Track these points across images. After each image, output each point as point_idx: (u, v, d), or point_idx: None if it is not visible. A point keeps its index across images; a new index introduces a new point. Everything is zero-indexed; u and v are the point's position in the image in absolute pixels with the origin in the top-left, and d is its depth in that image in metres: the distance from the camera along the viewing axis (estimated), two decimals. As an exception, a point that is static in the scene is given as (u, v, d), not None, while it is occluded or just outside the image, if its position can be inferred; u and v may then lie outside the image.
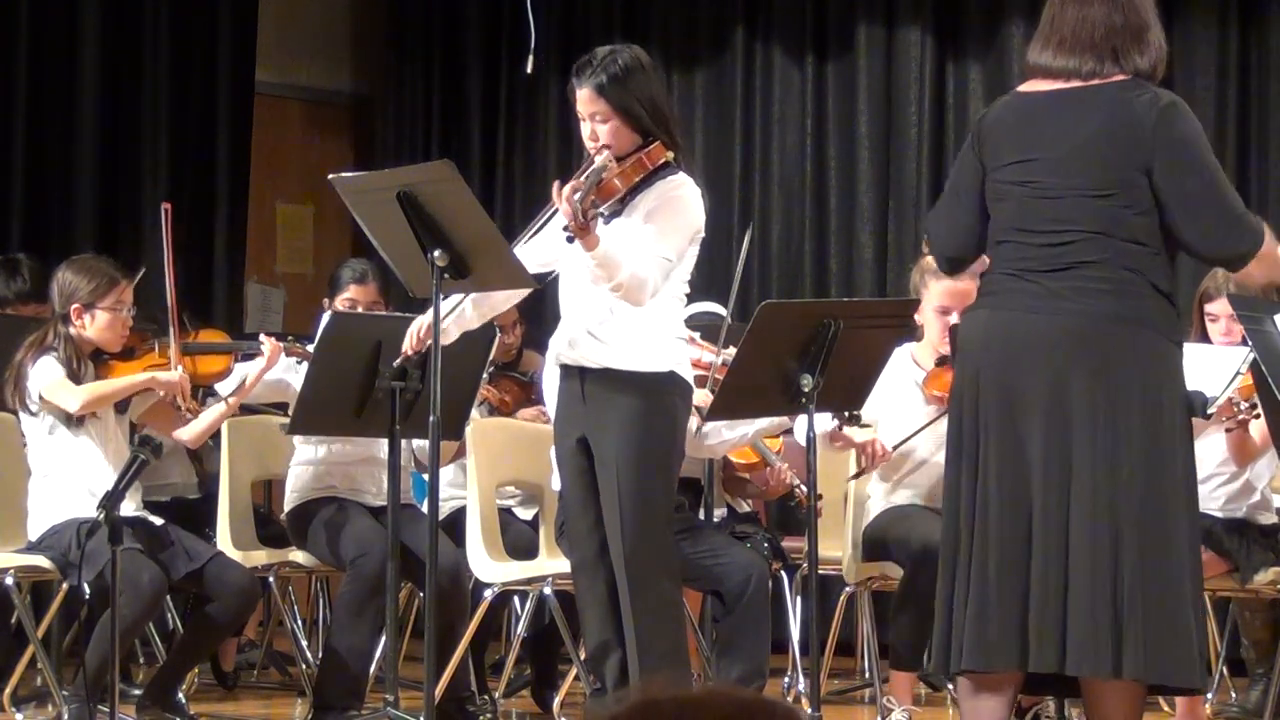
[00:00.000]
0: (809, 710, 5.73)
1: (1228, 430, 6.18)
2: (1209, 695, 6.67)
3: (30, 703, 6.80)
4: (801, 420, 5.96)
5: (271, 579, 6.97)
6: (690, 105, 9.45)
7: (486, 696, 6.81)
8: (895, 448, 6.51)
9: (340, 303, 6.72)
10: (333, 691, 6.38)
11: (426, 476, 6.34)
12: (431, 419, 5.44)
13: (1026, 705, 6.16)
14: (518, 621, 7.10)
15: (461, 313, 5.63)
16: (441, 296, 5.48)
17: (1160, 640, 4.53)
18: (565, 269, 5.50)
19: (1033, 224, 4.63)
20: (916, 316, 6.44)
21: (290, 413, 6.34)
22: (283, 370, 6.58)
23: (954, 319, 6.44)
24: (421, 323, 5.59)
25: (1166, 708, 6.57)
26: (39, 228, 8.99)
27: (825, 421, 6.15)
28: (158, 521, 6.41)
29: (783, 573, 7.27)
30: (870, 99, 9.25)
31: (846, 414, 6.38)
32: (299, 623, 7.62)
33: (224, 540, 6.76)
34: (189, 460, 7.39)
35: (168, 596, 6.92)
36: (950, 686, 6.74)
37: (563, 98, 9.84)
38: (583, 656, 6.44)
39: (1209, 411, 5.66)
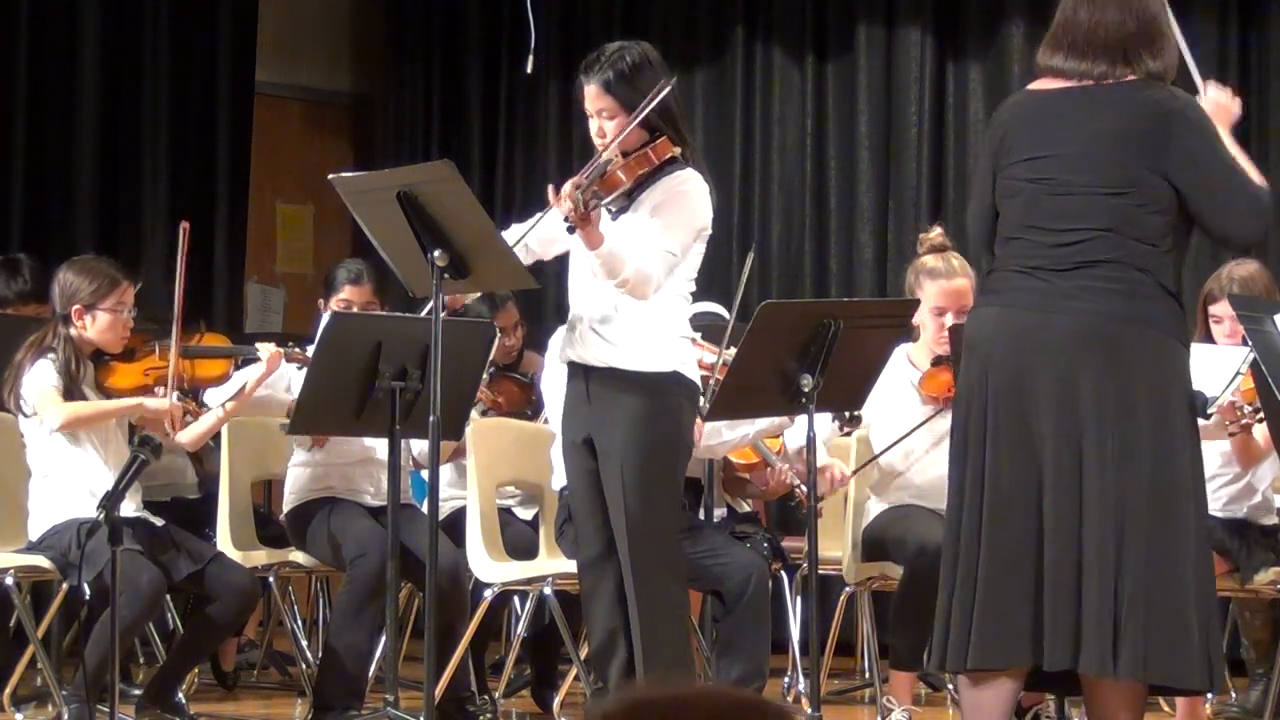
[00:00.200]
0: (809, 710, 5.73)
1: (1230, 435, 6.18)
2: (1209, 695, 6.67)
3: (30, 703, 6.80)
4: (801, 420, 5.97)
5: (271, 579, 6.97)
6: (690, 105, 9.44)
7: (486, 696, 6.81)
8: (887, 449, 6.51)
9: (335, 303, 6.72)
10: (333, 691, 6.39)
11: (425, 474, 6.35)
12: (431, 419, 5.44)
13: (1027, 705, 6.17)
14: (518, 621, 7.10)
15: (525, 248, 5.55)
16: (441, 297, 5.49)
17: (1161, 640, 4.53)
18: (573, 262, 5.48)
19: (1043, 221, 4.63)
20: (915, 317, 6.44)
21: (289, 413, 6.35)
22: (281, 376, 6.57)
23: (949, 320, 6.45)
24: None
25: (1166, 708, 6.57)
26: (39, 228, 9.00)
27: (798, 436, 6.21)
28: (158, 522, 6.41)
29: (783, 573, 7.27)
30: (870, 99, 9.25)
31: (847, 414, 6.40)
32: (299, 623, 7.62)
33: (224, 540, 6.76)
34: (189, 460, 7.39)
35: (168, 596, 6.92)
36: (950, 686, 6.74)
37: (563, 98, 9.85)
38: (583, 656, 6.45)
39: (1209, 411, 5.65)
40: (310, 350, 6.24)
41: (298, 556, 6.75)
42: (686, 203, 5.36)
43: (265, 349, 6.49)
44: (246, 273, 9.93)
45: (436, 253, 5.39)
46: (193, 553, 6.35)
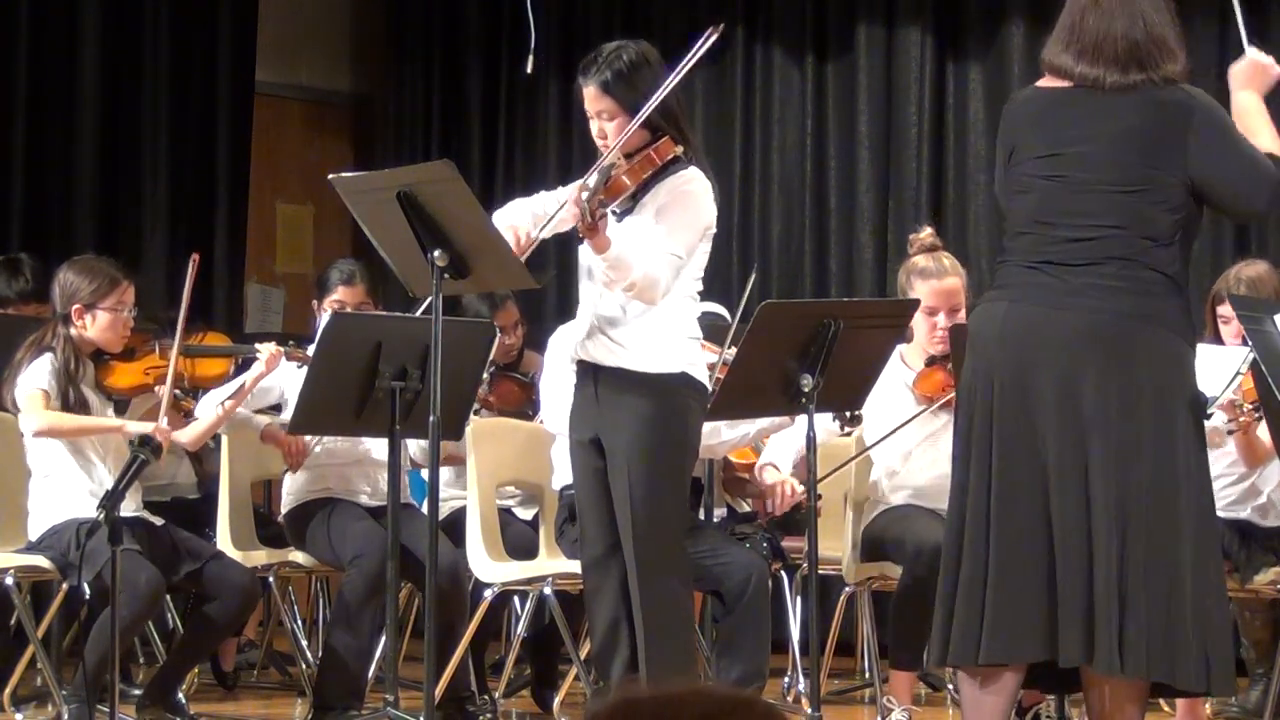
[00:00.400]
0: (809, 710, 5.73)
1: (1229, 432, 6.18)
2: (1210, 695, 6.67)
3: (30, 703, 6.80)
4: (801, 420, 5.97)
5: (271, 579, 6.97)
6: (690, 105, 9.44)
7: (486, 696, 6.81)
8: (878, 443, 6.50)
9: (329, 304, 6.71)
10: (332, 691, 6.39)
11: (425, 474, 6.35)
12: (431, 419, 5.44)
13: (1027, 704, 6.17)
14: (518, 621, 7.10)
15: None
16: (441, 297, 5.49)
17: (1162, 640, 4.53)
18: (583, 263, 5.47)
19: (1054, 217, 4.63)
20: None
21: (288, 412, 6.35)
22: (280, 376, 6.57)
23: (942, 319, 6.46)
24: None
25: (1166, 708, 6.57)
26: (39, 228, 9.00)
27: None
28: (158, 521, 6.41)
29: (783, 573, 7.27)
30: (870, 99, 9.25)
31: (848, 414, 6.40)
32: (299, 623, 7.62)
33: (224, 540, 6.76)
34: (189, 460, 7.39)
35: (168, 596, 6.92)
36: (950, 686, 6.75)
37: (563, 98, 9.85)
38: (583, 656, 6.45)
39: (1209, 411, 5.66)
40: (310, 349, 6.24)
41: (297, 556, 6.75)
42: (690, 203, 5.35)
43: (264, 349, 6.49)
44: (246, 273, 9.93)
45: (436, 253, 5.39)
46: (193, 551, 6.35)
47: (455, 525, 6.65)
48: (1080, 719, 5.58)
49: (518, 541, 6.74)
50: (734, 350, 5.92)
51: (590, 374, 5.45)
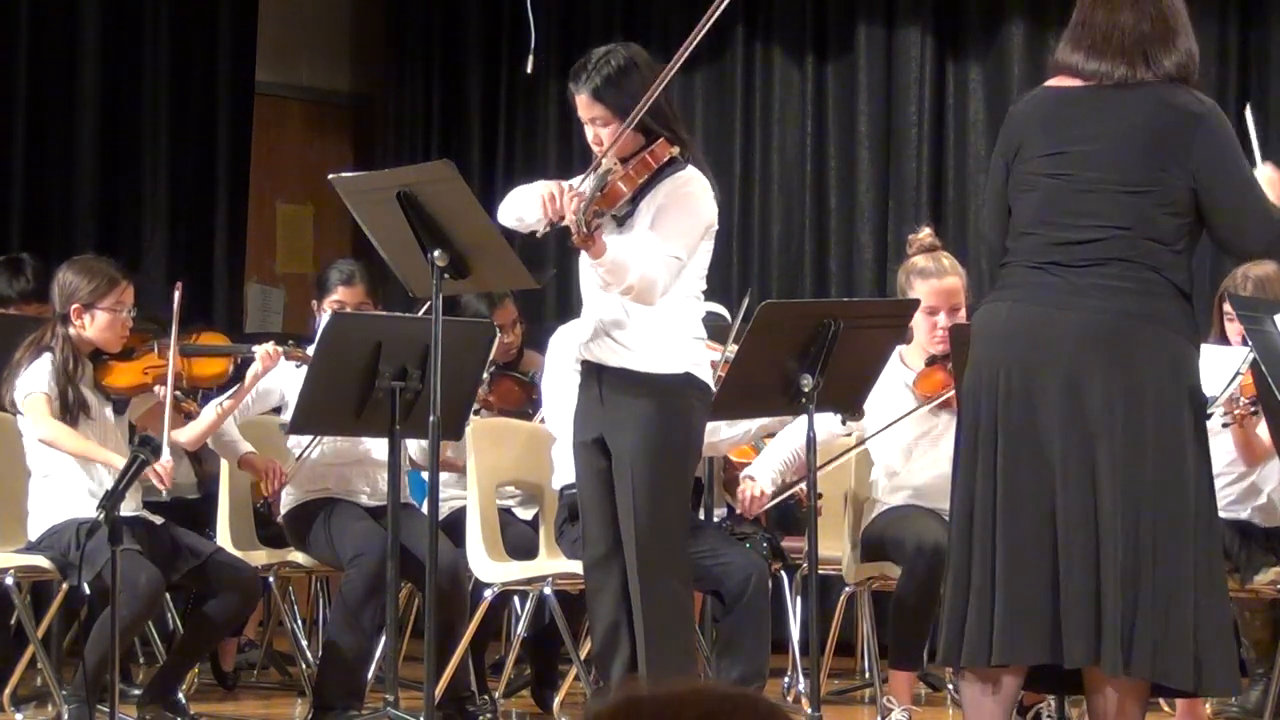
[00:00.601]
0: (809, 710, 5.73)
1: (1224, 425, 6.18)
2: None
3: (30, 703, 6.80)
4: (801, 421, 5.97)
5: (271, 579, 6.97)
6: (690, 105, 9.45)
7: (486, 696, 6.81)
8: (872, 436, 6.50)
9: (329, 305, 6.71)
10: (333, 691, 6.39)
11: (424, 474, 6.35)
12: (431, 419, 5.44)
13: (1028, 704, 6.17)
14: (518, 621, 7.10)
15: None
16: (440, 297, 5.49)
17: (1162, 640, 4.53)
18: (584, 264, 5.46)
19: (1059, 217, 4.62)
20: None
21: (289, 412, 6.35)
22: (279, 375, 6.57)
23: (942, 319, 6.46)
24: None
25: (1166, 708, 6.57)
26: (39, 228, 9.00)
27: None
28: (158, 521, 6.41)
29: (783, 573, 7.27)
30: (870, 99, 9.25)
31: (848, 414, 6.40)
32: (299, 623, 7.62)
33: (224, 540, 6.77)
34: (189, 460, 7.39)
35: (167, 596, 6.92)
36: (950, 686, 6.75)
37: (563, 98, 9.85)
38: (583, 656, 6.45)
39: (1209, 411, 5.66)
40: (310, 349, 6.24)
41: (297, 556, 6.76)
42: (689, 204, 5.34)
43: (261, 349, 6.48)
44: (246, 273, 9.93)
45: (436, 252, 5.39)
46: (193, 548, 6.35)
47: (455, 525, 6.65)
48: (1080, 719, 5.58)
49: (518, 541, 6.74)
50: (735, 348, 5.92)
51: (594, 374, 5.44)
